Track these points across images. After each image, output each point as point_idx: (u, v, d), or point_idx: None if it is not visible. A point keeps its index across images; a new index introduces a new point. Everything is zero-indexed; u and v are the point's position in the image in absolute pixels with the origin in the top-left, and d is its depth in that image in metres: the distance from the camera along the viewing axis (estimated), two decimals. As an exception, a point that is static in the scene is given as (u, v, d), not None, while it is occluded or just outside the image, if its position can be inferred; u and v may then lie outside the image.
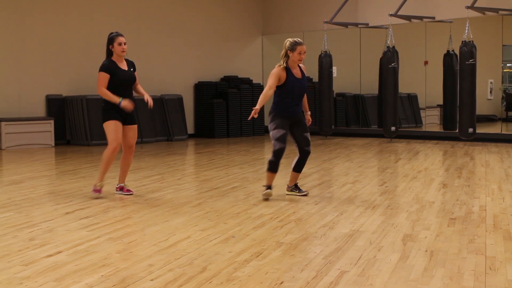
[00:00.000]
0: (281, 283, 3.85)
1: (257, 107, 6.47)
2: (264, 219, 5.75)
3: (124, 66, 6.98)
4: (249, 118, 6.68)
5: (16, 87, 13.11)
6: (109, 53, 6.94)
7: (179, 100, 15.15)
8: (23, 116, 13.02)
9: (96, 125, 12.66)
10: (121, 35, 6.94)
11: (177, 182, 8.17)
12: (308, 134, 6.80)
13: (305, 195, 6.92)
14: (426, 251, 4.55)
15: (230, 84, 15.83)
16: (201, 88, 15.71)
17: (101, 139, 12.90)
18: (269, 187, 6.73)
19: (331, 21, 14.78)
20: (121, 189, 7.17)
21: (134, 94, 7.17)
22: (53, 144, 13.08)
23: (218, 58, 16.27)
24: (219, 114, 15.39)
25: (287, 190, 7.04)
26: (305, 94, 6.90)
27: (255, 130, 15.77)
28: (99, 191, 6.96)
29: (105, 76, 6.82)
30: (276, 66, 6.66)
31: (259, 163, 10.27)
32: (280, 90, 6.63)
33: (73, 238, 5.06)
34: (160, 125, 14.66)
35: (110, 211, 6.21)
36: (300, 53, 6.60)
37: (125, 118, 6.97)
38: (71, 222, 5.71)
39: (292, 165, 6.91)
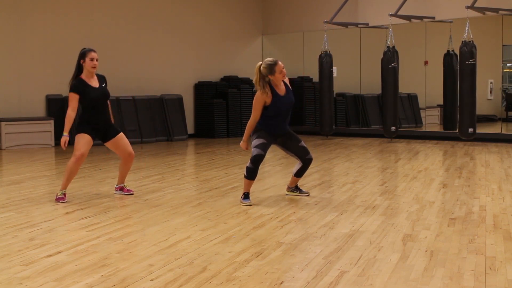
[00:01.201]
0: (281, 283, 3.85)
1: (244, 144, 6.54)
2: (264, 219, 5.75)
3: (95, 82, 6.81)
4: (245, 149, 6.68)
5: (16, 87, 13.11)
6: (79, 68, 6.77)
7: (179, 100, 15.15)
8: (23, 116, 13.02)
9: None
10: (94, 51, 6.77)
11: (177, 182, 8.17)
12: (303, 143, 6.70)
13: (307, 195, 6.92)
14: (426, 251, 4.55)
15: (230, 84, 15.83)
16: (201, 88, 15.71)
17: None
18: (247, 195, 6.54)
19: (331, 21, 14.78)
20: (121, 189, 7.18)
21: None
22: (53, 144, 13.07)
23: (218, 58, 16.27)
24: (219, 114, 15.39)
25: (287, 191, 7.03)
26: None
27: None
28: (62, 198, 6.75)
29: (74, 97, 6.68)
30: (259, 92, 6.34)
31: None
32: (266, 111, 6.43)
33: (73, 238, 5.06)
34: (160, 125, 14.66)
35: (110, 211, 6.21)
36: (281, 72, 6.35)
37: (105, 133, 6.88)
38: (71, 222, 5.71)
39: (294, 171, 6.84)
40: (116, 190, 7.22)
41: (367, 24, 15.23)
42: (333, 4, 15.28)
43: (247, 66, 16.74)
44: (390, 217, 5.77)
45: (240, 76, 16.26)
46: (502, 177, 8.22)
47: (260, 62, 6.43)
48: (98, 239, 5.02)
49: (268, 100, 6.38)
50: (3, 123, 12.53)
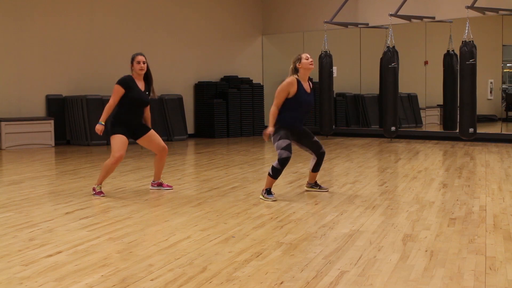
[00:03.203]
0: (281, 283, 3.85)
1: (270, 129, 6.65)
2: (264, 219, 5.75)
3: (141, 86, 7.12)
4: (266, 139, 6.77)
5: (16, 87, 13.11)
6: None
7: (179, 100, 15.16)
8: (23, 116, 13.02)
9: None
10: (141, 54, 7.11)
11: (177, 182, 8.17)
12: (316, 138, 7.01)
13: (326, 190, 7.18)
14: (426, 251, 4.55)
15: (230, 84, 15.83)
16: (201, 88, 15.71)
17: (101, 139, 12.91)
18: (269, 190, 6.75)
19: (331, 21, 14.78)
20: (160, 185, 7.43)
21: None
22: (53, 144, 13.08)
23: (218, 58, 16.27)
24: (219, 114, 15.40)
25: (306, 187, 7.30)
26: None
27: (255, 130, 15.77)
28: (101, 193, 7.04)
29: (119, 90, 6.96)
30: (285, 81, 6.67)
31: (259, 163, 10.28)
32: (288, 103, 6.66)
33: (73, 238, 5.06)
34: (160, 125, 14.65)
35: (110, 211, 6.21)
36: (307, 58, 6.73)
37: (136, 132, 7.14)
38: (71, 222, 5.71)
39: (310, 167, 7.14)
40: (152, 186, 7.45)
41: (367, 24, 15.23)
42: (333, 4, 15.28)
43: (247, 66, 16.75)
44: (390, 217, 5.77)
45: (240, 76, 16.26)
46: (502, 177, 8.22)
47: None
48: (98, 239, 5.02)
49: (293, 90, 6.63)
50: (3, 123, 12.53)
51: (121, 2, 14.57)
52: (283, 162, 6.61)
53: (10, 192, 7.42)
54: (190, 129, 15.70)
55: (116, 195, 7.13)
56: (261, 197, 6.75)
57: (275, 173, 6.66)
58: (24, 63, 13.19)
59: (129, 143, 7.14)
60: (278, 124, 6.70)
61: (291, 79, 6.67)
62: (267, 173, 6.79)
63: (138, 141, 7.28)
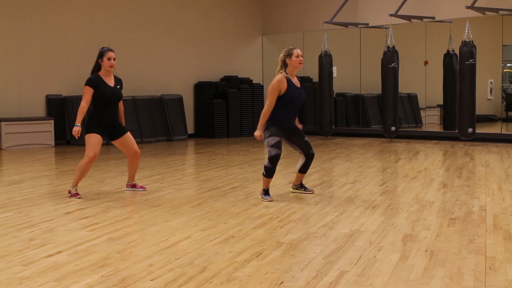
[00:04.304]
0: (281, 283, 3.85)
1: (259, 133, 6.66)
2: (264, 219, 5.75)
3: (110, 82, 7.04)
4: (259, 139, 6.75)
5: (16, 87, 13.11)
6: (97, 66, 7.03)
7: (179, 100, 15.15)
8: (23, 116, 13.02)
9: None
10: (112, 50, 7.01)
11: (177, 182, 8.17)
12: (306, 138, 6.89)
13: (312, 192, 7.03)
14: (426, 251, 4.55)
15: (230, 84, 15.83)
16: (201, 88, 15.71)
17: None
18: (267, 191, 6.74)
19: (331, 21, 14.78)
20: (133, 186, 7.38)
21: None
22: (53, 144, 13.08)
23: (218, 58, 16.26)
24: (219, 114, 15.39)
25: (292, 188, 7.15)
26: None
27: (255, 130, 15.74)
28: (76, 194, 6.96)
29: (89, 90, 6.92)
30: (278, 73, 6.66)
31: (259, 163, 10.27)
32: (280, 100, 6.62)
33: (73, 238, 5.06)
34: (160, 125, 14.65)
35: (110, 211, 6.21)
36: (298, 56, 6.62)
37: (112, 132, 7.07)
38: (71, 222, 5.71)
39: (298, 167, 6.99)
40: (127, 187, 7.40)
41: (367, 24, 15.22)
42: (333, 4, 15.28)
43: (247, 66, 16.75)
44: (390, 217, 5.77)
45: (240, 76, 16.26)
46: (502, 177, 8.22)
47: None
48: (98, 239, 5.02)
49: (284, 87, 6.57)
50: (3, 123, 12.53)
51: (121, 2, 14.57)
52: (272, 160, 6.58)
53: (10, 192, 7.42)
54: (190, 129, 15.70)
55: (116, 195, 7.13)
56: (260, 197, 6.76)
57: (268, 171, 6.64)
58: (24, 63, 13.19)
59: (107, 144, 7.11)
60: (269, 121, 6.67)
61: (280, 76, 6.62)
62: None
63: (113, 142, 7.22)
